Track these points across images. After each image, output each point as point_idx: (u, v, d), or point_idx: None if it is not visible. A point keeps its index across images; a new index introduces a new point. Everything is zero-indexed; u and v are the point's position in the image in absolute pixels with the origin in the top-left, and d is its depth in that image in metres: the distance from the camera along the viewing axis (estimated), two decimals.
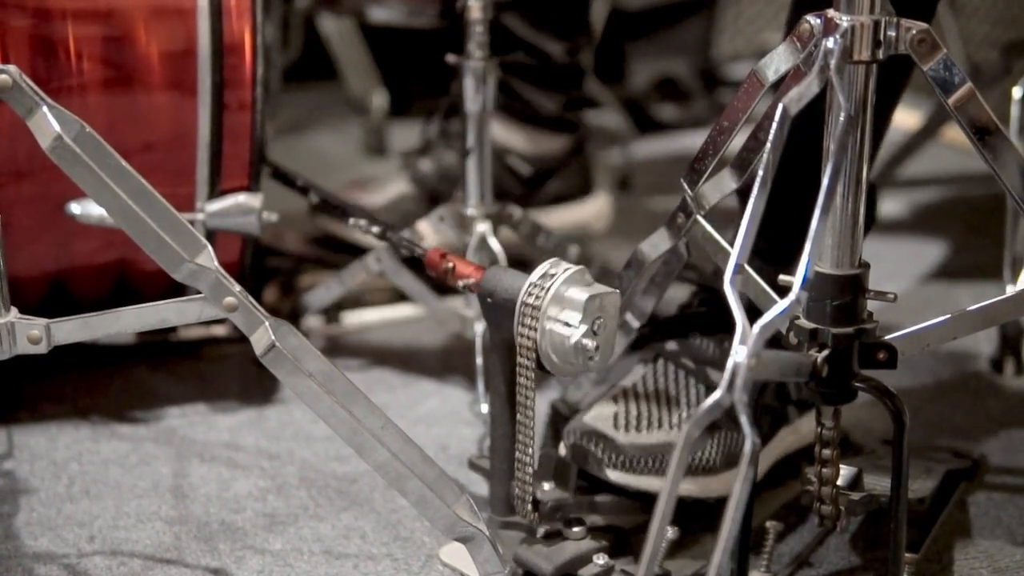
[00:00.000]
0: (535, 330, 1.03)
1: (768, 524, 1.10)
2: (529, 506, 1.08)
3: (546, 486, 1.13)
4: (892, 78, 0.98)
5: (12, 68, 0.94)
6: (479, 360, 1.40)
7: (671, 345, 1.23)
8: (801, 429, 1.23)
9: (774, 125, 0.92)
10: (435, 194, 1.65)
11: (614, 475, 1.14)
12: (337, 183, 1.76)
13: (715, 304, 1.22)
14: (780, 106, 0.92)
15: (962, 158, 2.14)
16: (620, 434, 1.15)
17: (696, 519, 1.13)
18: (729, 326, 1.21)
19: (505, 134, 1.67)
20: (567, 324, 1.03)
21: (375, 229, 1.35)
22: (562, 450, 1.17)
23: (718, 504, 1.14)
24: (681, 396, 1.19)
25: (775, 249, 1.17)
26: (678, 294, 1.29)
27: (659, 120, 2.36)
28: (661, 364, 1.22)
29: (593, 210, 1.73)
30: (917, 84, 1.13)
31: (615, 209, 1.79)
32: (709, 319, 1.23)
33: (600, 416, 1.17)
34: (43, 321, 0.99)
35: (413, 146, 1.76)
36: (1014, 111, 1.44)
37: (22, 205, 1.24)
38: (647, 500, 1.12)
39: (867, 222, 0.99)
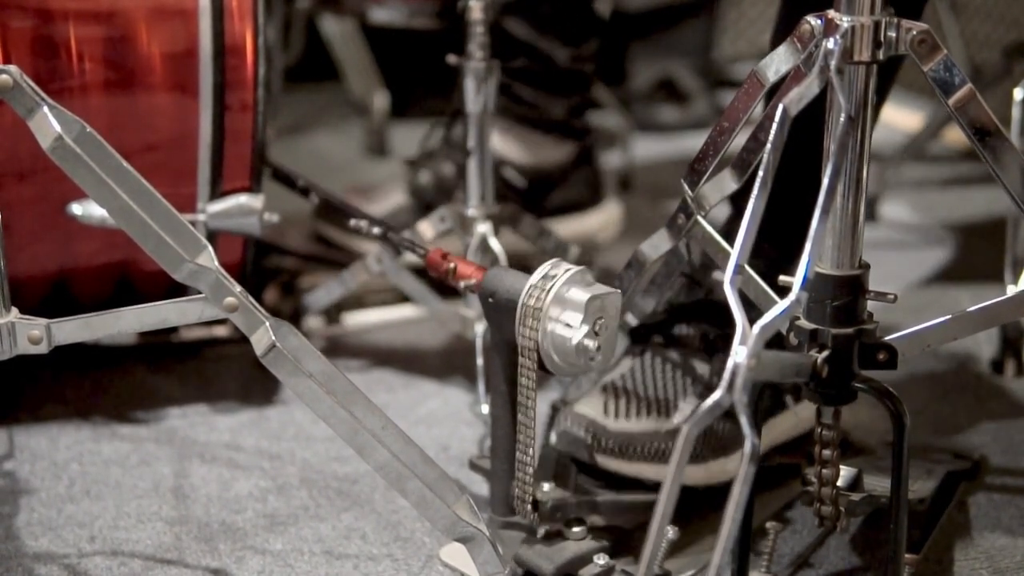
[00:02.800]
0: (537, 331, 1.03)
1: (768, 525, 1.10)
2: (529, 506, 1.08)
3: (546, 486, 1.13)
4: (881, 79, 0.98)
5: (13, 68, 0.94)
6: (480, 361, 1.40)
7: (657, 338, 1.24)
8: (800, 414, 1.24)
9: (774, 126, 0.92)
10: (432, 206, 1.64)
11: (603, 460, 1.14)
12: (338, 184, 1.76)
13: (698, 293, 1.24)
14: (780, 107, 0.92)
15: (962, 159, 2.14)
16: (610, 420, 1.16)
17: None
18: (712, 315, 1.22)
19: (503, 144, 1.66)
20: (568, 325, 1.03)
21: (376, 230, 1.35)
22: (552, 438, 1.18)
23: (708, 490, 1.15)
24: (668, 386, 1.19)
25: (780, 254, 1.17)
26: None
27: (660, 121, 2.36)
28: (648, 357, 1.22)
29: (598, 221, 1.71)
30: (918, 85, 1.13)
31: (623, 216, 1.77)
32: (692, 309, 1.23)
33: (589, 405, 1.18)
34: (44, 321, 1.00)
35: (415, 155, 1.75)
36: (1015, 112, 1.44)
37: (24, 205, 1.24)
38: (643, 490, 1.13)
39: None
